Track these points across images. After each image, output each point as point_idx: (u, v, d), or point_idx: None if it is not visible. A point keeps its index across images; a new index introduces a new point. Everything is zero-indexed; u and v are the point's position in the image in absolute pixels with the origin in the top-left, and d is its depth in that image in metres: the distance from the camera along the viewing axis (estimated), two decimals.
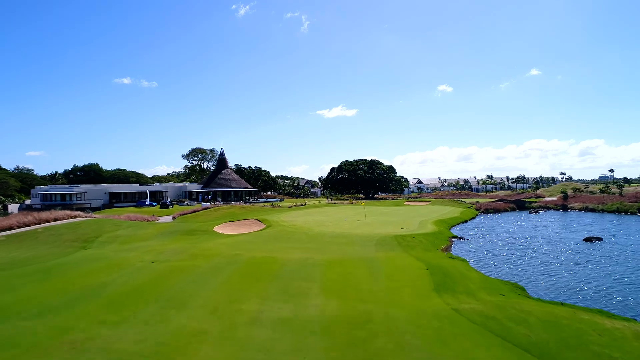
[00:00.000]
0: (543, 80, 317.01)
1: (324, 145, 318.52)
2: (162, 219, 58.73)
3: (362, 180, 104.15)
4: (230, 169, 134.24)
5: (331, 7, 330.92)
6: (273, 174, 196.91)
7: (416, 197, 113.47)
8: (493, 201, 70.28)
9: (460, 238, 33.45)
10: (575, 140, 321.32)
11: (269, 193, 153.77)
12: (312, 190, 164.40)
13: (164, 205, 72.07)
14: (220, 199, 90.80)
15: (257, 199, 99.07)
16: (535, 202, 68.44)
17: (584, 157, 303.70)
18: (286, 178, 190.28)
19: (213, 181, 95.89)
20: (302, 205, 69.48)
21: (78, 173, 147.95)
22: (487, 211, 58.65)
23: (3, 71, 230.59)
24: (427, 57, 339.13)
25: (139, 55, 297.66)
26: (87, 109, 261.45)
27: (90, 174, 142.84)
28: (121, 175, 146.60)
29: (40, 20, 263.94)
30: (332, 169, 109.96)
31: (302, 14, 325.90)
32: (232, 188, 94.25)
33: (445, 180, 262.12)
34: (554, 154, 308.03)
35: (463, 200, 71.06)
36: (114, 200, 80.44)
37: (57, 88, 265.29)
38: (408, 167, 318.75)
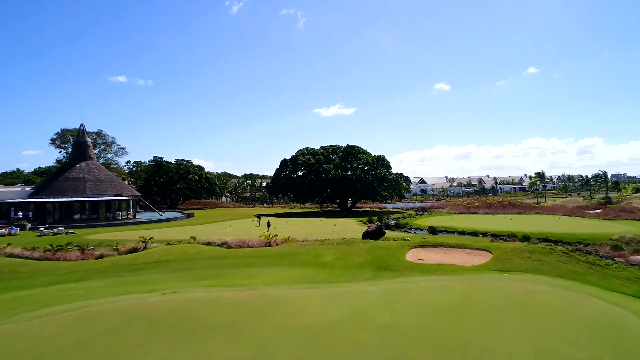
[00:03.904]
0: (541, 78, 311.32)
1: (322, 145, 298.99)
2: None
3: (332, 181, 60.30)
4: (128, 164, 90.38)
5: (327, 4, 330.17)
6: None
7: (424, 208, 69.50)
8: None
9: None
10: (573, 138, 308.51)
11: (218, 199, 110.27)
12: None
13: None
14: (54, 217, 47.28)
15: (134, 215, 55.11)
16: None
17: (582, 156, 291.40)
18: (250, 177, 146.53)
19: (54, 182, 52.15)
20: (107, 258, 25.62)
21: None
22: None
23: None
24: (424, 55, 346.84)
25: (134, 53, 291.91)
26: (83, 107, 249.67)
27: None
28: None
29: (35, 18, 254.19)
30: (283, 163, 65.99)
31: (297, 11, 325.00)
32: (86, 196, 50.44)
33: (453, 180, 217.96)
34: (553, 152, 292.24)
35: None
36: None
37: (54, 86, 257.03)
38: (407, 166, 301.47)
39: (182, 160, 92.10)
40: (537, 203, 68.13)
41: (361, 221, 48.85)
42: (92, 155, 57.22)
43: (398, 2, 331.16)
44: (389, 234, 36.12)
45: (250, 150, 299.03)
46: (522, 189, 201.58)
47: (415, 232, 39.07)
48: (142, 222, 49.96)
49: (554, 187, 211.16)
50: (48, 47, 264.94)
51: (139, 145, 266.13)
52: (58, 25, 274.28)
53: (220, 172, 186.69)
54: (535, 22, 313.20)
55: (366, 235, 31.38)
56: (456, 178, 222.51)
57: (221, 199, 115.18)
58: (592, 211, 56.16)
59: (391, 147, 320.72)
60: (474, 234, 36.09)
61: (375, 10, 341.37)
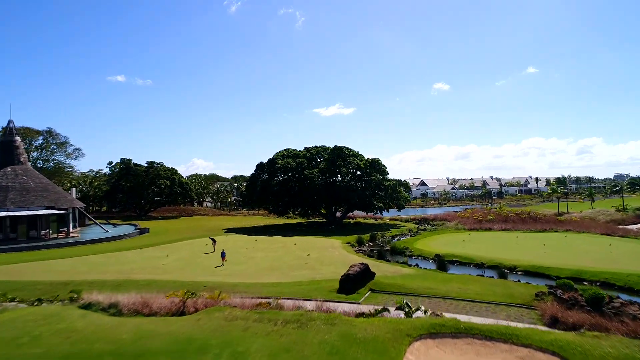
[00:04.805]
0: (540, 78, 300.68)
1: (321, 144, 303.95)
2: None
3: (316, 190, 50.02)
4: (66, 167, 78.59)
5: (326, 3, 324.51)
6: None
7: (426, 219, 59.52)
8: None
9: None
10: (573, 138, 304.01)
11: (200, 205, 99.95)
12: None
13: None
14: None
15: (68, 233, 44.69)
16: None
17: (582, 156, 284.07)
18: (238, 179, 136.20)
19: None
20: None
21: None
22: None
23: None
24: (423, 55, 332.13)
25: (132, 52, 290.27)
26: (81, 107, 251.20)
27: None
28: None
29: (35, 18, 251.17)
30: (259, 167, 55.73)
31: (296, 10, 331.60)
32: (4, 210, 40.28)
33: (455, 181, 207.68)
34: (552, 152, 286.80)
35: None
36: None
37: (52, 85, 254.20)
38: (407, 166, 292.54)
39: (154, 162, 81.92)
40: (559, 214, 57.97)
41: (348, 242, 38.64)
42: (22, 159, 46.95)
43: (397, 2, 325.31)
44: (381, 269, 26.03)
45: (250, 150, 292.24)
46: (528, 192, 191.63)
47: (417, 265, 28.87)
48: (75, 242, 39.79)
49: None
50: (47, 47, 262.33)
51: (138, 145, 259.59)
52: (56, 24, 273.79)
53: (208, 174, 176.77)
54: (535, 21, 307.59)
55: (345, 283, 21.27)
56: (458, 179, 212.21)
57: (202, 205, 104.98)
58: (633, 227, 46.11)
59: (390, 147, 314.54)
60: (500, 271, 25.87)
61: (374, 9, 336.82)
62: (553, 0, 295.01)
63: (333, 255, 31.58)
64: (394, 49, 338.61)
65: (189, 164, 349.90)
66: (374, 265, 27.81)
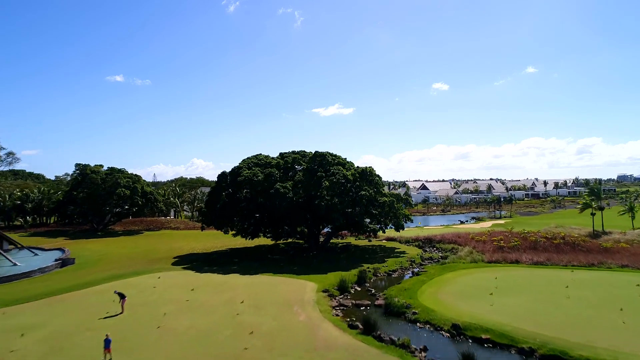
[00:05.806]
0: (540, 77, 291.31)
1: (321, 145, 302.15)
2: None
3: (289, 208, 38.74)
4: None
5: (325, 3, 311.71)
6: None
7: (431, 240, 49.35)
8: None
9: None
10: (572, 138, 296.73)
11: (177, 215, 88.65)
12: None
13: None
14: None
15: None
16: None
17: (581, 155, 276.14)
18: None
19: None
20: None
21: None
22: None
23: None
24: (422, 54, 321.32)
25: (131, 52, 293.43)
26: (81, 107, 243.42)
27: None
28: None
29: (32, 17, 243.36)
30: (222, 177, 44.49)
31: (295, 10, 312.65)
32: None
33: (458, 184, 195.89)
34: (552, 152, 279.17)
35: None
36: None
37: (51, 85, 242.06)
38: (406, 166, 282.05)
39: (114, 168, 70.81)
40: (595, 234, 46.73)
41: (325, 290, 27.46)
42: None
43: (397, 2, 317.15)
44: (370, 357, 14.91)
45: (251, 149, 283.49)
46: (535, 196, 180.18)
47: (424, 350, 17.69)
48: None
49: (569, 193, 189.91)
50: (46, 47, 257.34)
51: (138, 146, 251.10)
52: (56, 25, 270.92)
53: (195, 178, 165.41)
54: (534, 21, 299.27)
55: None
56: (460, 181, 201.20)
57: (177, 216, 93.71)
58: None
59: (390, 147, 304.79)
60: None
61: (374, 9, 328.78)
62: (552, 0, 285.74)
63: (294, 325, 20.39)
64: (393, 49, 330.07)
65: (188, 164, 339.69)
66: (355, 352, 16.77)
